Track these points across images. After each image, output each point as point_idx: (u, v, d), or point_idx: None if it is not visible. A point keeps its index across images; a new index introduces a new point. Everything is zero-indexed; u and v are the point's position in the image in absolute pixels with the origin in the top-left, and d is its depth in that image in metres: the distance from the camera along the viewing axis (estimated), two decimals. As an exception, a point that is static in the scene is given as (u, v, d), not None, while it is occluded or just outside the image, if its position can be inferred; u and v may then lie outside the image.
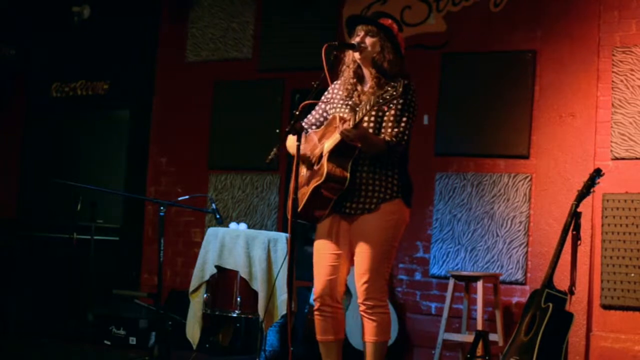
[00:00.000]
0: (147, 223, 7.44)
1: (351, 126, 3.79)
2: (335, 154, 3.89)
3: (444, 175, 6.26)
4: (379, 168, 3.96)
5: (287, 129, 3.85)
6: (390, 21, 4.06)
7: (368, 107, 3.74)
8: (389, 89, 3.67)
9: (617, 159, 5.68)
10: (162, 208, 5.52)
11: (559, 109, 5.89)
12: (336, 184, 3.89)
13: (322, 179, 3.86)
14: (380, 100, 3.68)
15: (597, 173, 4.95)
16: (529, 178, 5.98)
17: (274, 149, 3.99)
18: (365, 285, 3.96)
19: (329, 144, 3.92)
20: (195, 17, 7.39)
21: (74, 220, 6.92)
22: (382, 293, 3.99)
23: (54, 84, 8.02)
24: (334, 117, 3.98)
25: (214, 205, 5.74)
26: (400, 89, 3.63)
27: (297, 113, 3.83)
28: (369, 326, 3.98)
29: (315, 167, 3.98)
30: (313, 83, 3.94)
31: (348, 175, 3.88)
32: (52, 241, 7.36)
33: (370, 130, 3.93)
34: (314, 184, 3.92)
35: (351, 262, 4.06)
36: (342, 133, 3.80)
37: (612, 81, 5.73)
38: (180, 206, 6.47)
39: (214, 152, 7.22)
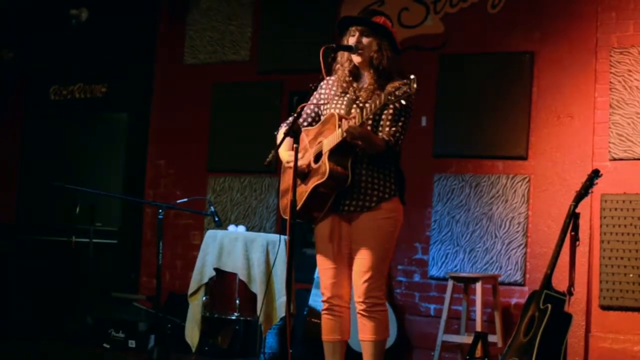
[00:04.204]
0: (146, 226, 7.43)
1: (357, 124, 3.76)
2: (336, 152, 3.86)
3: (442, 176, 6.26)
4: (377, 166, 3.95)
5: (284, 131, 3.84)
6: (383, 18, 4.03)
7: (378, 103, 3.69)
8: (401, 86, 3.60)
9: (615, 159, 5.68)
10: (160, 211, 5.52)
11: (557, 110, 5.90)
12: (337, 182, 3.87)
13: (325, 177, 3.83)
14: (392, 98, 3.62)
15: (595, 174, 4.95)
16: (527, 179, 5.98)
17: (273, 152, 3.98)
18: (367, 284, 3.95)
19: (328, 142, 3.88)
20: (193, 19, 7.40)
21: (72, 223, 6.92)
22: (382, 291, 3.99)
23: (52, 87, 8.02)
24: (332, 115, 3.94)
25: (212, 208, 5.73)
26: (415, 85, 3.55)
27: (295, 115, 3.82)
28: (369, 325, 3.97)
29: (314, 166, 3.96)
30: (311, 85, 3.95)
31: (349, 173, 3.87)
32: (51, 244, 7.36)
33: (369, 129, 3.91)
34: (314, 182, 3.89)
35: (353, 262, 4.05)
36: (348, 130, 3.75)
37: (610, 82, 5.73)
38: (179, 209, 6.47)
39: (212, 154, 7.21)
